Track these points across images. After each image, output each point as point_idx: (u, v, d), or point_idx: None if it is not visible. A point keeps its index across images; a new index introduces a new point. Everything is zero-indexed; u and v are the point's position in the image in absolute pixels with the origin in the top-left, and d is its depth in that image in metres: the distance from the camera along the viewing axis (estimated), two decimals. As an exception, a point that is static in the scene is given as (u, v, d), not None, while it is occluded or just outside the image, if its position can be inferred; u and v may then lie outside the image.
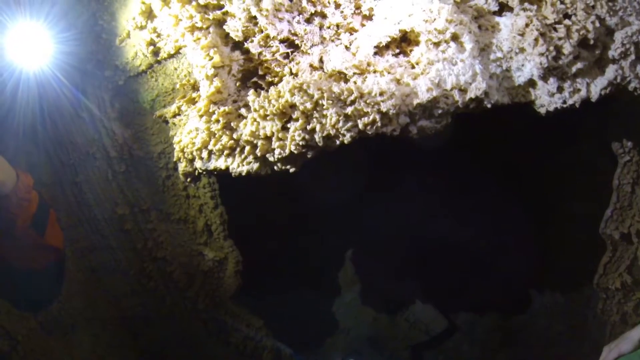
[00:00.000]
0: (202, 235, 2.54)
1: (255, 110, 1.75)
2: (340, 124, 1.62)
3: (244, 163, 1.79)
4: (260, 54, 1.85)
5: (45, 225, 1.42)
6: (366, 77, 1.70)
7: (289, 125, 1.70)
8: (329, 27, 1.81)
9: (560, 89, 1.74)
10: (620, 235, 2.31)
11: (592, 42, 1.71)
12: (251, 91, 1.81)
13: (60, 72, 2.29)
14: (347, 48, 1.80)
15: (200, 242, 2.56)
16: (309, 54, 1.81)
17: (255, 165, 1.78)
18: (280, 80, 1.81)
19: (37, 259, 1.43)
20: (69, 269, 2.74)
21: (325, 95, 1.64)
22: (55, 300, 2.29)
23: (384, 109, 1.61)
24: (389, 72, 1.70)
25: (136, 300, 2.87)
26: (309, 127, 1.66)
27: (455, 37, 1.70)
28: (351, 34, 1.80)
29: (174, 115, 2.16)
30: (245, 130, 1.77)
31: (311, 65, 1.79)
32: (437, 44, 1.71)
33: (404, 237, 3.48)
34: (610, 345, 1.39)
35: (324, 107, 1.64)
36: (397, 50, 1.77)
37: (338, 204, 3.16)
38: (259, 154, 1.75)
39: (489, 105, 1.68)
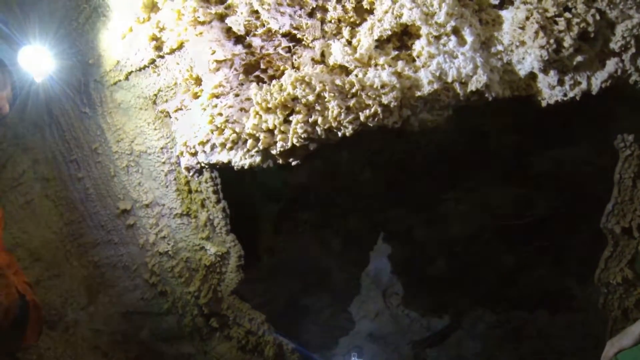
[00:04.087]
0: (204, 230, 2.55)
1: (257, 103, 1.76)
2: (342, 116, 1.63)
3: (247, 156, 1.81)
4: (262, 47, 1.86)
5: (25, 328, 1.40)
6: (368, 70, 1.71)
7: (291, 118, 1.71)
8: (330, 21, 1.82)
9: (561, 82, 1.75)
10: (622, 230, 2.31)
11: (592, 35, 1.72)
12: (253, 85, 1.83)
13: (64, 70, 2.31)
14: (348, 42, 1.82)
15: (203, 236, 2.57)
16: (310, 47, 1.82)
17: (258, 159, 1.79)
18: (282, 73, 1.83)
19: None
20: (72, 264, 2.76)
21: (327, 87, 1.65)
22: None
23: (385, 102, 1.62)
24: (390, 65, 1.71)
25: (138, 295, 2.88)
26: (310, 120, 1.67)
27: (456, 31, 1.71)
28: (353, 28, 1.81)
29: (177, 110, 2.17)
30: (247, 123, 1.79)
31: (313, 59, 1.80)
32: (438, 37, 1.72)
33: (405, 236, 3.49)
34: (612, 340, 1.40)
35: (326, 99, 1.66)
36: (399, 44, 1.78)
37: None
38: (261, 147, 1.76)
39: (490, 98, 1.69)
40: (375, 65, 1.71)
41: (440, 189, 3.17)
